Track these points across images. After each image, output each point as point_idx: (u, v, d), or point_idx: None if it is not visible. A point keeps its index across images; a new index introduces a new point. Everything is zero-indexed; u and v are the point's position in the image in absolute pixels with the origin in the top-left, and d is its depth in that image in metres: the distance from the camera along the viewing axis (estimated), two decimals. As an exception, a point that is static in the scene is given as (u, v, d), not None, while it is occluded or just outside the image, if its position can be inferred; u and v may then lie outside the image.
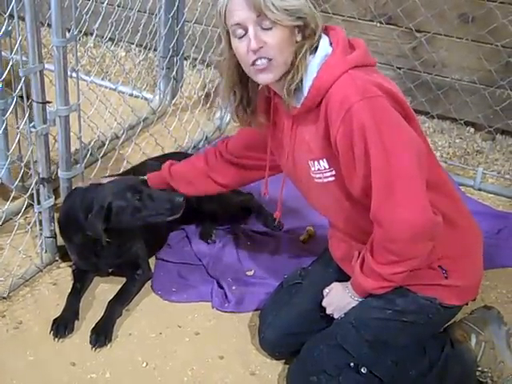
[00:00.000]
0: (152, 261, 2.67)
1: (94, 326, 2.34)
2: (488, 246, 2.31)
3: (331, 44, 1.92)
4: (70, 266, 2.60)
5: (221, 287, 2.55)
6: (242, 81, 2.02)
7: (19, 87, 2.33)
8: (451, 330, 2.19)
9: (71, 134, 2.51)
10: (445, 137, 3.59)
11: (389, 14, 3.48)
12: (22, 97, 2.38)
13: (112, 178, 2.54)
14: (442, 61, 3.47)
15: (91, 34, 3.56)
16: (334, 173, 1.97)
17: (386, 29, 3.52)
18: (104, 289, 2.55)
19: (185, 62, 3.75)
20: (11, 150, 2.60)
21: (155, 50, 3.65)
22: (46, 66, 2.34)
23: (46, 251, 2.63)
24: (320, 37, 1.91)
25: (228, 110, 2.37)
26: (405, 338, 2.09)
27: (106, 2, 3.01)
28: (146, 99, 3.69)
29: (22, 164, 2.54)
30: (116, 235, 2.39)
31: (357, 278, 2.04)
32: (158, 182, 2.50)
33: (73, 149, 2.60)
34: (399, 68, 3.56)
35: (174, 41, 3.43)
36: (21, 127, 2.43)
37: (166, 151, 3.17)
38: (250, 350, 2.32)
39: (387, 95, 1.85)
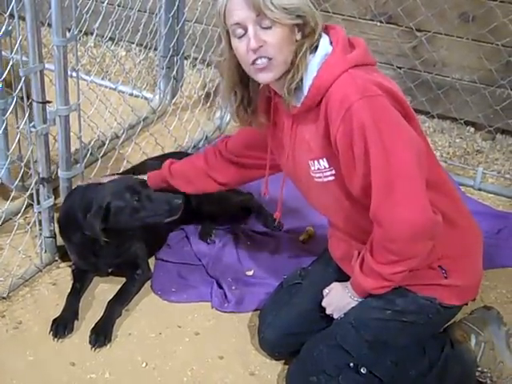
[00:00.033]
0: (152, 261, 2.67)
1: (93, 326, 2.34)
2: (488, 245, 2.31)
3: (331, 43, 1.91)
4: (70, 266, 2.60)
5: (220, 287, 2.55)
6: (242, 81, 2.02)
7: (19, 87, 2.33)
8: (451, 330, 2.19)
9: (71, 133, 2.51)
10: (445, 136, 3.59)
11: (389, 13, 3.48)
12: (22, 97, 2.38)
13: (112, 177, 2.54)
14: (442, 60, 3.46)
15: (91, 34, 3.57)
16: (333, 172, 1.97)
17: (386, 28, 3.52)
18: (104, 289, 2.55)
19: (185, 62, 3.75)
20: (11, 150, 2.60)
21: (155, 49, 3.66)
22: (46, 65, 2.34)
23: (45, 251, 2.63)
24: (320, 36, 1.91)
25: (228, 110, 2.37)
26: (405, 338, 2.09)
27: (106, 2, 3.01)
28: (146, 99, 3.69)
29: (22, 164, 2.54)
30: (115, 235, 2.39)
31: (356, 278, 2.04)
32: (158, 181, 2.51)
33: (73, 148, 2.59)
34: (399, 67, 3.56)
35: (175, 40, 3.42)
36: (21, 127, 2.43)
37: (166, 151, 3.16)
38: (250, 350, 2.32)
39: (387, 94, 1.85)
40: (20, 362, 2.23)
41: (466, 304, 2.16)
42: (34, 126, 2.36)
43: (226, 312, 2.46)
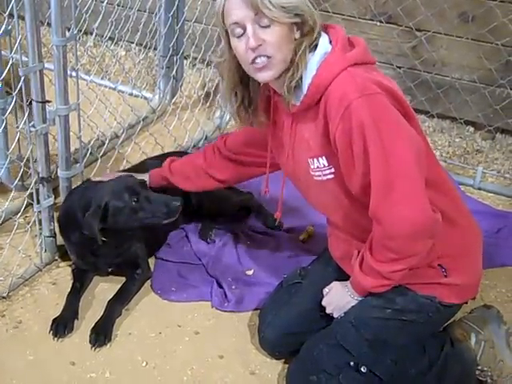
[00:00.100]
0: (152, 260, 2.66)
1: (93, 325, 2.34)
2: (488, 245, 2.31)
3: (331, 42, 1.92)
4: (70, 266, 2.60)
5: (220, 287, 2.55)
6: (242, 81, 2.03)
7: (19, 86, 2.33)
8: (451, 328, 2.20)
9: (71, 133, 2.51)
10: (445, 136, 3.59)
11: (389, 12, 3.47)
12: (21, 96, 2.38)
13: (125, 174, 2.55)
14: (441, 60, 3.46)
15: (91, 33, 3.56)
16: (333, 170, 1.97)
17: (386, 28, 3.51)
18: (103, 288, 2.55)
19: (185, 61, 3.75)
20: (11, 150, 2.60)
21: (155, 49, 3.65)
22: (46, 65, 2.33)
23: (45, 251, 2.63)
24: (319, 34, 1.91)
25: (228, 110, 2.37)
26: (404, 337, 2.09)
27: (105, 1, 3.01)
28: (145, 98, 3.69)
29: (22, 163, 2.54)
30: (114, 235, 2.40)
31: (356, 277, 2.04)
32: (158, 179, 2.53)
33: (72, 148, 2.59)
34: (399, 67, 3.56)
35: (174, 40, 3.42)
36: (20, 126, 2.43)
37: (166, 150, 3.17)
38: (250, 349, 2.32)
39: (386, 93, 1.85)
40: (20, 361, 2.23)
41: (466, 303, 2.16)
42: (33, 126, 2.36)
43: (225, 311, 2.46)
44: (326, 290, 2.17)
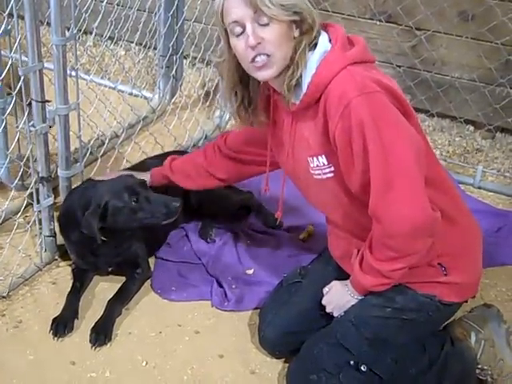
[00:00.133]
0: (152, 260, 2.66)
1: (93, 324, 2.34)
2: (488, 244, 2.31)
3: (330, 41, 1.92)
4: (70, 265, 2.60)
5: (220, 286, 2.55)
6: (242, 81, 2.03)
7: (18, 86, 2.33)
8: (451, 328, 2.20)
9: (71, 132, 2.51)
10: (444, 135, 3.58)
11: (388, 12, 3.47)
12: (21, 96, 2.38)
13: (127, 172, 2.55)
14: (441, 59, 3.46)
15: (91, 33, 3.56)
16: (332, 169, 1.97)
17: (386, 27, 3.51)
18: (104, 288, 2.55)
19: (184, 61, 3.74)
20: (10, 149, 2.60)
21: (155, 48, 3.65)
22: (46, 64, 2.33)
23: (45, 250, 2.63)
24: (318, 33, 1.92)
25: (229, 110, 2.38)
26: (404, 336, 2.09)
27: (105, 1, 3.01)
28: (145, 98, 3.69)
29: (22, 163, 2.54)
30: (113, 234, 2.40)
31: (356, 276, 2.04)
32: (159, 178, 2.54)
33: (72, 148, 2.59)
34: (399, 66, 3.56)
35: (174, 39, 3.42)
36: (20, 126, 2.43)
37: (166, 150, 3.16)
38: (250, 348, 2.32)
39: (386, 91, 1.85)
40: (20, 361, 2.23)
41: (466, 301, 2.16)
42: (33, 125, 2.36)
43: (226, 311, 2.46)
44: (325, 289, 2.17)
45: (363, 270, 2.00)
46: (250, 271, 2.64)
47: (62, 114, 2.42)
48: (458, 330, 2.17)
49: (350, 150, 1.85)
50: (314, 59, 1.90)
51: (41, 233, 2.60)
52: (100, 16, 2.95)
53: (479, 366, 2.13)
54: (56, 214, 2.57)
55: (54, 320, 2.35)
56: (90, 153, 2.96)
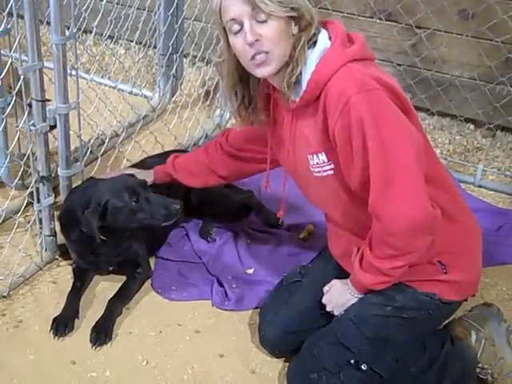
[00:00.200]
0: (152, 259, 2.66)
1: (94, 324, 2.34)
2: (488, 243, 2.31)
3: (330, 38, 1.92)
4: (70, 265, 2.60)
5: (221, 285, 2.55)
6: (242, 80, 2.03)
7: (18, 85, 2.33)
8: (451, 326, 2.20)
9: (71, 132, 2.51)
10: (445, 134, 3.58)
11: (388, 10, 3.47)
12: (21, 95, 2.38)
13: (128, 171, 2.55)
14: (441, 57, 3.46)
15: (90, 32, 3.55)
16: (332, 166, 1.97)
17: (386, 25, 3.51)
18: (104, 287, 2.55)
19: (184, 60, 3.74)
20: (11, 149, 2.60)
21: (155, 47, 3.65)
22: (46, 64, 2.33)
23: (45, 250, 2.63)
24: (318, 30, 1.92)
25: (229, 110, 2.38)
26: (405, 335, 2.09)
27: (105, 0, 3.01)
28: (145, 97, 3.69)
29: (22, 162, 2.54)
30: (113, 234, 2.40)
31: (356, 274, 2.04)
32: (162, 175, 2.54)
33: (72, 147, 2.59)
34: (399, 65, 3.56)
35: (174, 38, 3.42)
36: (20, 125, 2.43)
37: (166, 149, 3.17)
38: (250, 348, 2.32)
39: (386, 88, 1.85)
40: (20, 360, 2.23)
41: (466, 300, 2.16)
42: (33, 125, 2.36)
43: (226, 310, 2.46)
44: (326, 288, 2.17)
45: (363, 269, 2.00)
46: (251, 270, 2.64)
47: (62, 113, 2.42)
48: (458, 328, 2.17)
49: (349, 148, 1.85)
50: (313, 56, 1.90)
51: (41, 232, 2.60)
52: (100, 15, 2.95)
53: (479, 365, 2.13)
54: (56, 214, 2.57)
55: (55, 319, 2.35)
56: (91, 152, 2.96)
